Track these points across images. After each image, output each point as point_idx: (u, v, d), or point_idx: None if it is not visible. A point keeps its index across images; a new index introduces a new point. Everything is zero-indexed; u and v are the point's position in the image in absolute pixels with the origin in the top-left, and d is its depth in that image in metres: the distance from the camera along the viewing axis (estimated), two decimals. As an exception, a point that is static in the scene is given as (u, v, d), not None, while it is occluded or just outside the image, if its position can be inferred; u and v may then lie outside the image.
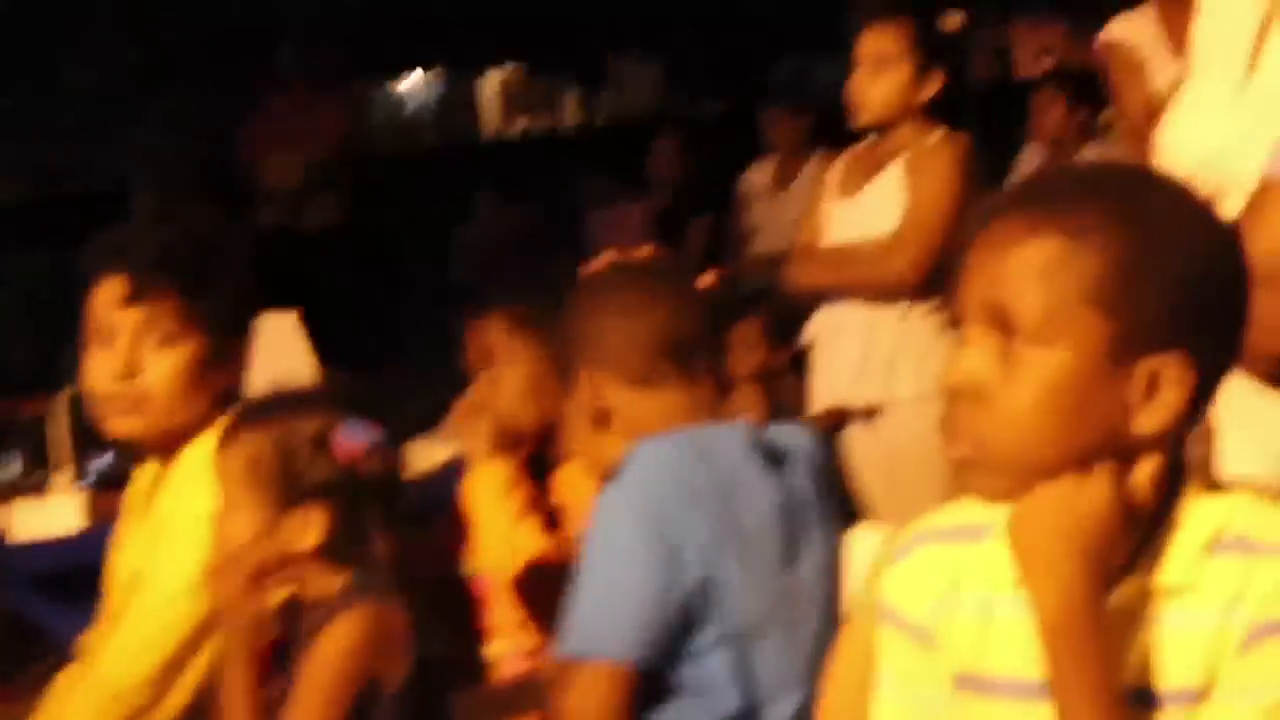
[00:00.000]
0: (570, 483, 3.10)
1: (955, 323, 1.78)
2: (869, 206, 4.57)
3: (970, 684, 1.83)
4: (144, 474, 2.97)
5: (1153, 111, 4.37)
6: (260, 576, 2.52)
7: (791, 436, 2.77)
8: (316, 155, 8.17)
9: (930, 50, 4.52)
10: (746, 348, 4.42)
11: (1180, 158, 2.62)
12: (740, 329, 4.42)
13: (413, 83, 15.56)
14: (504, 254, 8.30)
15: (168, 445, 2.87)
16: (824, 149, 7.52)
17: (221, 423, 2.65)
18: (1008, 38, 11.92)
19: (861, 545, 2.57)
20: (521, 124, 15.75)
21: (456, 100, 16.00)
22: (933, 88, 4.53)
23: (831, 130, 7.59)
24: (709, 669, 2.56)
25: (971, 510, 1.88)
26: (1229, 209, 2.07)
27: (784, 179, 7.56)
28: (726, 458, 2.61)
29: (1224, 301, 1.74)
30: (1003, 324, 1.70)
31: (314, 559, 2.54)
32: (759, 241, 7.57)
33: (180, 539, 2.73)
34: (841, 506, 2.76)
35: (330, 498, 2.52)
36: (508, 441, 3.10)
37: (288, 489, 2.52)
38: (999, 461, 1.72)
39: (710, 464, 2.58)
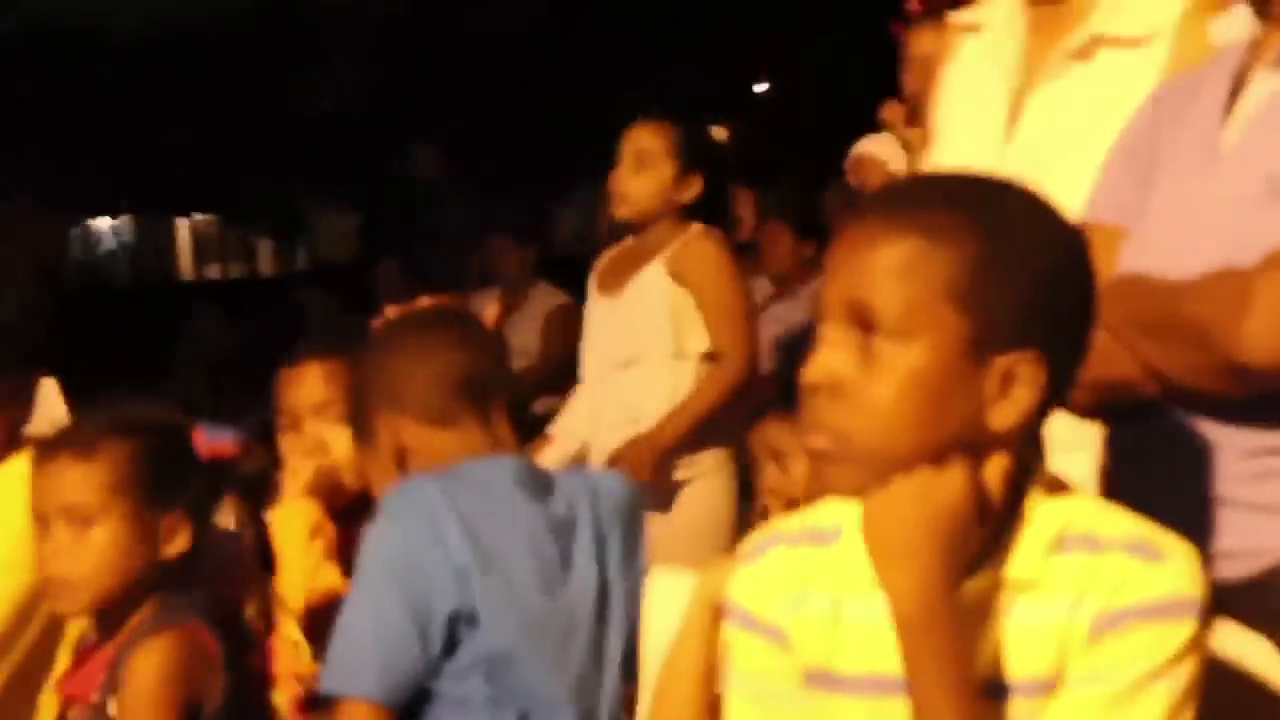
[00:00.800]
0: None
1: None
2: (632, 304, 4.67)
3: (821, 681, 1.85)
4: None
5: None
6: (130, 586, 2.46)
7: (602, 478, 2.93)
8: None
9: (692, 154, 4.69)
10: None
11: None
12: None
13: (108, 224, 15.36)
14: (233, 365, 8.20)
15: None
16: (545, 281, 7.69)
17: (16, 459, 2.59)
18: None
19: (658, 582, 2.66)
20: (215, 270, 15.64)
21: (151, 245, 15.86)
22: (692, 190, 4.68)
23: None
24: (468, 688, 2.63)
25: (819, 514, 1.92)
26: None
27: (509, 307, 7.62)
28: (487, 490, 2.68)
29: (1075, 304, 1.80)
30: (862, 321, 1.74)
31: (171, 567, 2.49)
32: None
33: None
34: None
35: (193, 502, 2.49)
36: (325, 487, 3.07)
37: (160, 494, 2.48)
38: (858, 454, 1.75)
39: (468, 497, 2.64)
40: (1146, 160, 2.29)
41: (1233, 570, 2.05)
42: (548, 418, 5.20)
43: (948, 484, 1.74)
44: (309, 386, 3.16)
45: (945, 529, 1.73)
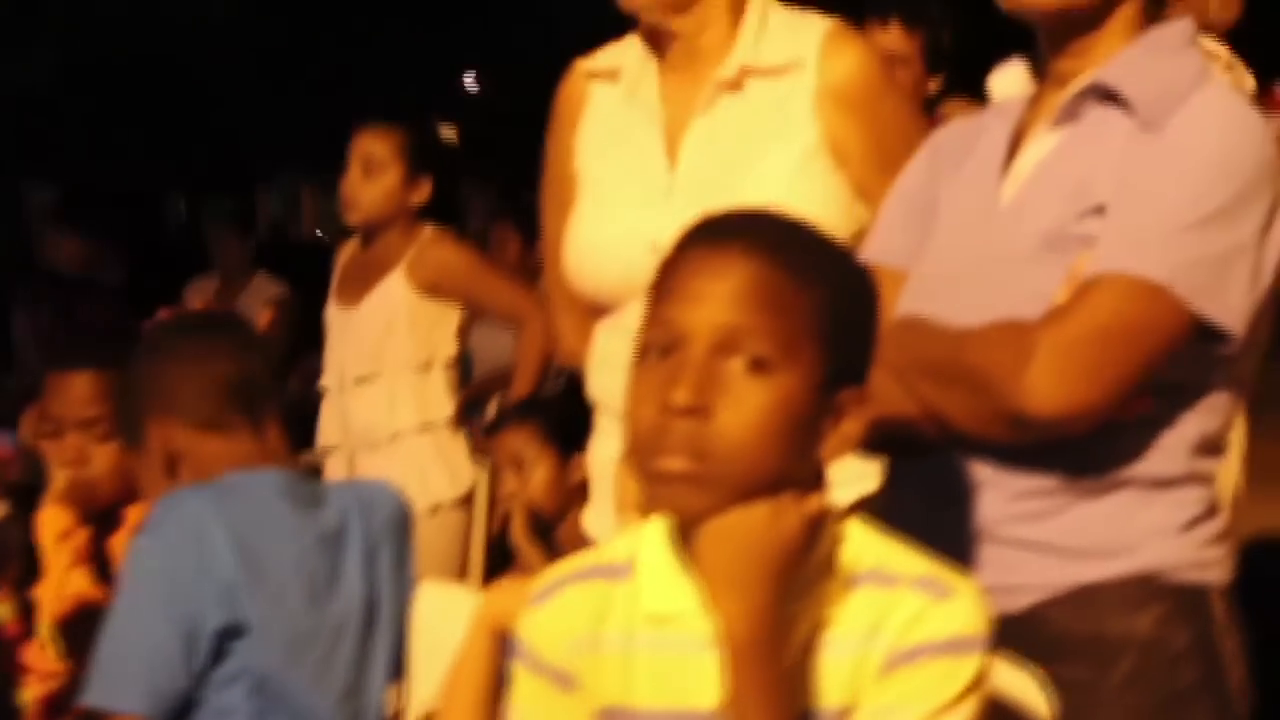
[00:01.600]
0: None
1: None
2: (371, 317, 4.66)
3: (615, 718, 1.88)
4: None
5: None
6: None
7: (374, 490, 2.92)
8: None
9: (421, 156, 4.70)
10: None
11: (622, 252, 2.76)
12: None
13: None
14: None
15: None
16: (265, 271, 7.63)
17: None
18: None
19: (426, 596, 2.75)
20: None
21: None
22: (422, 192, 4.70)
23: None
24: (232, 699, 2.64)
25: (611, 549, 1.97)
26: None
27: (227, 297, 7.53)
28: (256, 502, 2.68)
29: (874, 343, 1.90)
30: (731, 348, 1.79)
31: None
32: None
33: None
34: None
35: None
36: (79, 495, 3.03)
37: None
38: (716, 477, 1.78)
39: (237, 509, 2.64)
40: (924, 207, 2.37)
41: (1001, 605, 2.13)
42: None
43: (787, 516, 1.79)
44: (76, 398, 3.12)
45: (781, 560, 1.79)
